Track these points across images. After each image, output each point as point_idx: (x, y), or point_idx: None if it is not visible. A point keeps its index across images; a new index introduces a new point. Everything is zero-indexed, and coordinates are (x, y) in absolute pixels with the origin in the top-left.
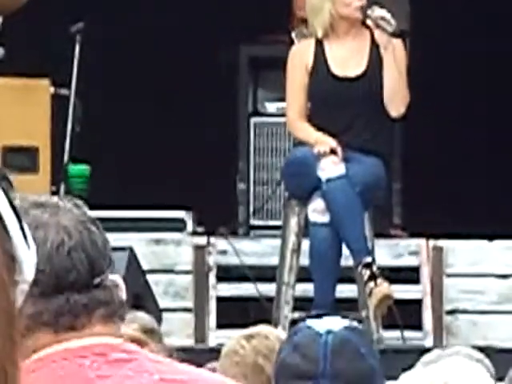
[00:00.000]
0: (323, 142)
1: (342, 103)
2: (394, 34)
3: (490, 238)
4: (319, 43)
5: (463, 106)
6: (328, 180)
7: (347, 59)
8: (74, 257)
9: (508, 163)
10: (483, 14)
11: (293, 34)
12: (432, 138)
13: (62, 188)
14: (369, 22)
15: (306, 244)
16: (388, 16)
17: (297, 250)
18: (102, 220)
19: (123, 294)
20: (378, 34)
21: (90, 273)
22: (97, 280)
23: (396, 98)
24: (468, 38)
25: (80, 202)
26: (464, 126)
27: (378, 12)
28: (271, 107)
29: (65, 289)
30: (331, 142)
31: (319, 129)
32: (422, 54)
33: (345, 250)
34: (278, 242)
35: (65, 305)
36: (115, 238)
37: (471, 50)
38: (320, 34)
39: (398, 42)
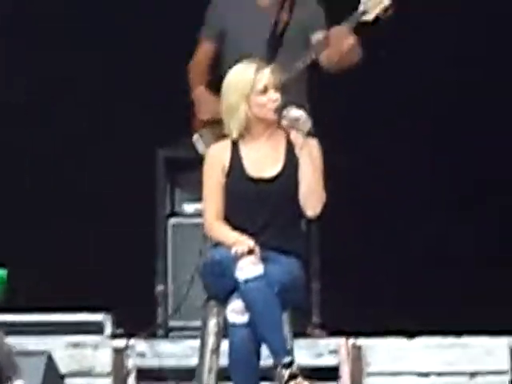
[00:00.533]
0: (241, 242)
1: (258, 204)
2: (309, 134)
3: (410, 335)
4: (235, 144)
5: (376, 206)
6: (246, 281)
7: (263, 160)
8: None
9: (432, 256)
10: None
11: (194, 138)
12: (350, 238)
13: None
14: (284, 122)
15: (225, 344)
16: (303, 116)
17: (216, 351)
18: (19, 324)
19: None
20: (293, 134)
21: None
22: None
23: (312, 197)
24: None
25: None
26: (377, 228)
27: (293, 113)
28: (189, 208)
29: None
30: (249, 243)
31: (237, 229)
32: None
33: (264, 350)
34: (197, 342)
35: None
36: (33, 342)
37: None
38: (235, 135)
39: (313, 142)
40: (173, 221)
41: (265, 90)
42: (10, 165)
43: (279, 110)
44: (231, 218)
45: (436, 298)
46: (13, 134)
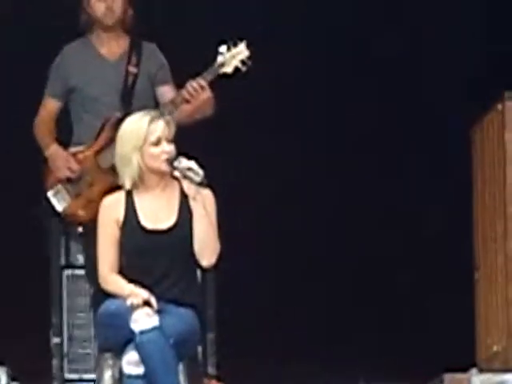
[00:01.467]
0: (136, 293)
1: (153, 256)
2: (201, 184)
3: None
4: (129, 195)
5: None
6: (141, 332)
7: (157, 211)
8: None
9: (321, 307)
10: None
11: (49, 194)
12: (246, 288)
13: None
14: (176, 173)
15: None
16: (195, 167)
17: None
18: None
19: None
20: (186, 184)
21: None
22: None
23: (207, 249)
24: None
25: None
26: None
27: (184, 163)
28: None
29: None
30: (144, 294)
31: (133, 282)
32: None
33: None
34: None
35: None
36: None
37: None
38: (128, 186)
39: (207, 192)
40: (67, 272)
41: (158, 142)
42: None
43: (171, 161)
44: (126, 270)
45: (334, 346)
46: None
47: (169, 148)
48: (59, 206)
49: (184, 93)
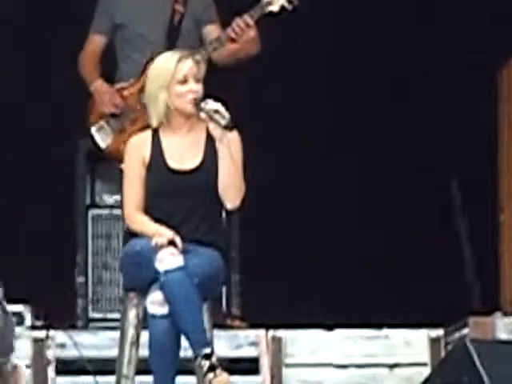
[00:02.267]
0: (160, 233)
1: (178, 196)
2: (227, 127)
3: (329, 327)
4: (156, 135)
5: (290, 195)
6: (166, 272)
7: (183, 152)
8: None
9: (350, 252)
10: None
11: (92, 129)
12: (269, 231)
13: None
14: (202, 114)
15: (145, 336)
16: (222, 109)
17: (135, 343)
18: None
19: None
20: (212, 127)
21: None
22: None
23: (231, 190)
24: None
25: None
26: (300, 222)
27: (211, 105)
28: (109, 199)
29: None
30: (169, 234)
31: (157, 221)
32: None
33: (184, 342)
34: (117, 334)
35: None
36: None
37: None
38: (155, 124)
39: (234, 135)
40: (93, 212)
41: (185, 81)
42: None
43: (198, 102)
44: (152, 209)
45: (357, 291)
46: None
47: (196, 87)
48: (102, 142)
49: (229, 31)
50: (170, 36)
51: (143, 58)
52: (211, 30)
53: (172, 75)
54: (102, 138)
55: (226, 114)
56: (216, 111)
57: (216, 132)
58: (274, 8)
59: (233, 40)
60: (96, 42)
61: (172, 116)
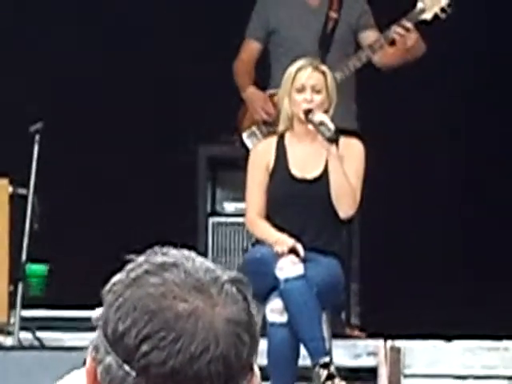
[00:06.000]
0: (282, 241)
1: (299, 204)
2: (330, 140)
3: (448, 338)
4: (281, 142)
5: (414, 205)
6: (286, 280)
7: (306, 160)
8: (211, 369)
9: (463, 268)
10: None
11: (244, 135)
12: (390, 239)
13: (20, 287)
14: (310, 126)
15: (263, 344)
16: (328, 121)
17: None
18: (61, 319)
19: None
20: (320, 138)
21: None
22: None
23: (343, 201)
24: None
25: (245, 285)
26: (416, 227)
27: (317, 117)
28: (229, 207)
29: None
30: (290, 242)
31: (278, 228)
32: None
33: (302, 350)
34: None
35: None
36: (74, 338)
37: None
38: (280, 128)
39: (355, 143)
40: (213, 219)
41: (302, 89)
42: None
43: (307, 112)
44: (273, 215)
45: (476, 302)
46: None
47: (310, 97)
48: None
49: (390, 32)
50: (322, 43)
51: None
52: (368, 36)
53: (292, 83)
54: (253, 144)
55: (332, 127)
56: (321, 123)
57: (324, 144)
58: (428, 16)
59: (391, 44)
60: (252, 48)
61: (295, 123)
